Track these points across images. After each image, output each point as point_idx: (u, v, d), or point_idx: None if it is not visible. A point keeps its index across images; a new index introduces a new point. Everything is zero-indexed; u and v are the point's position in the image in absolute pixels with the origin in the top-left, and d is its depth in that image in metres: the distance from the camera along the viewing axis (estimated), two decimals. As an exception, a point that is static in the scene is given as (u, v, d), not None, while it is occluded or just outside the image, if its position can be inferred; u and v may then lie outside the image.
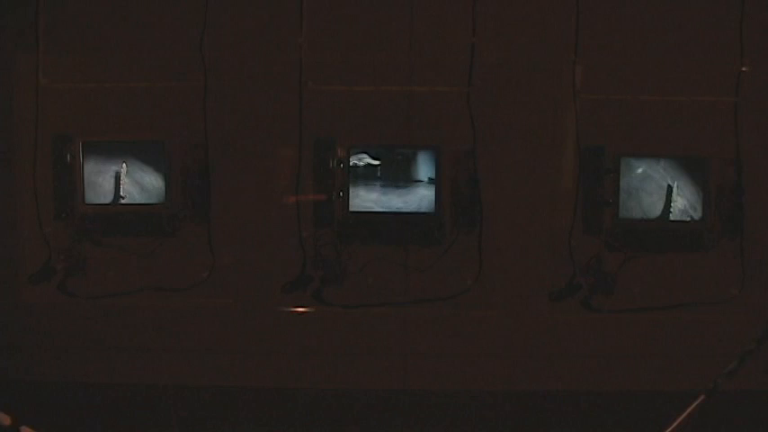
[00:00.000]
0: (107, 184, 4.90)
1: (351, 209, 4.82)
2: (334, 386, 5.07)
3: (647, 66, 4.88)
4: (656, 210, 4.75)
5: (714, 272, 4.84)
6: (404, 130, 4.93)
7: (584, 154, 4.80)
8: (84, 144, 4.89)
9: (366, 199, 4.80)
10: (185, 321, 5.12)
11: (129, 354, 5.13)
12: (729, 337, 4.86)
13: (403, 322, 5.09)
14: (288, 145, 4.91)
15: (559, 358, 5.02)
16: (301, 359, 5.11)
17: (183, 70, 4.93)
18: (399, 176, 4.81)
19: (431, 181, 4.78)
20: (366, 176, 4.79)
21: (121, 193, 4.92)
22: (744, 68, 4.75)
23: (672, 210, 4.74)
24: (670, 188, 4.74)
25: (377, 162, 4.81)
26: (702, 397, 3.08)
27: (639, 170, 4.76)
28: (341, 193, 4.83)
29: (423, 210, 4.78)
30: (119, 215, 4.96)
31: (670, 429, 3.06)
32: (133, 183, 4.90)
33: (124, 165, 4.90)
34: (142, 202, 4.92)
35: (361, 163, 4.78)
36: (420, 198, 4.78)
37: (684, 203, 4.74)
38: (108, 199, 4.91)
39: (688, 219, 4.74)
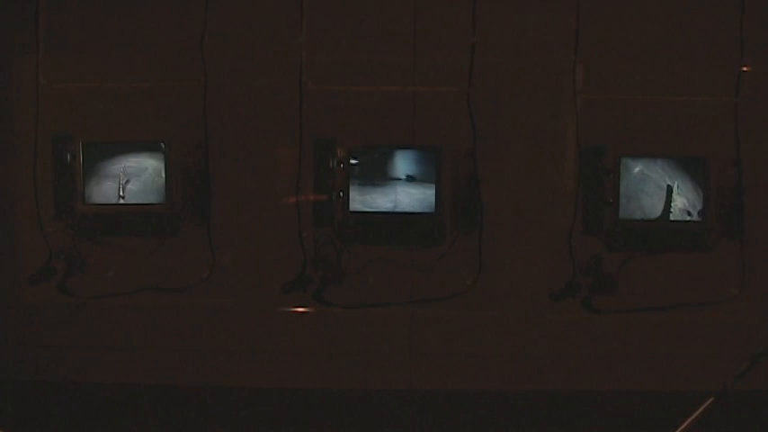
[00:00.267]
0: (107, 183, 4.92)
1: (351, 209, 4.82)
2: (333, 386, 5.07)
3: (647, 66, 4.88)
4: (657, 210, 4.75)
5: (714, 272, 4.84)
6: (404, 130, 4.93)
7: (584, 154, 4.80)
8: (85, 144, 4.89)
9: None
10: (185, 321, 5.12)
11: (129, 354, 5.13)
12: (729, 337, 4.89)
13: (403, 322, 5.09)
14: (288, 145, 4.91)
15: (559, 358, 5.03)
16: (301, 359, 5.11)
17: (183, 70, 4.93)
18: (377, 175, 4.81)
19: (409, 179, 4.78)
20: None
21: (121, 193, 4.92)
22: (744, 68, 4.75)
23: (672, 210, 4.74)
24: (670, 188, 4.74)
25: (354, 161, 4.82)
26: (712, 399, 3.08)
27: (639, 170, 4.76)
28: (341, 193, 4.83)
29: (403, 209, 4.79)
30: (119, 215, 4.96)
31: (680, 430, 3.06)
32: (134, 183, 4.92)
33: (124, 165, 4.91)
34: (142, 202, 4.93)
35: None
36: (399, 196, 4.78)
37: (684, 203, 4.74)
38: (108, 199, 4.91)
39: (688, 219, 4.73)
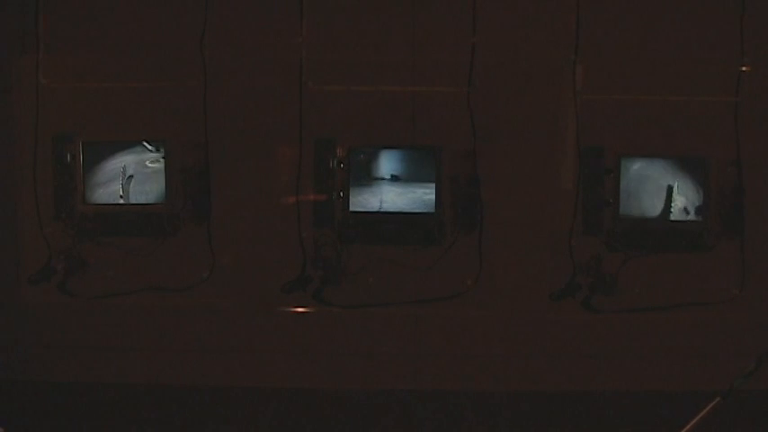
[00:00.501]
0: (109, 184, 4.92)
1: (351, 209, 4.82)
2: (333, 386, 5.07)
3: (647, 66, 4.88)
4: (657, 210, 4.75)
5: (714, 272, 4.83)
6: (404, 131, 4.93)
7: (584, 154, 4.80)
8: (84, 144, 4.89)
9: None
10: (185, 321, 5.12)
11: (128, 354, 5.14)
12: (730, 337, 4.89)
13: (403, 322, 5.09)
14: (288, 145, 4.91)
15: (559, 358, 5.03)
16: (301, 359, 5.11)
17: (183, 70, 4.93)
18: (361, 175, 4.81)
19: (393, 178, 4.78)
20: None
21: (121, 193, 4.92)
22: (744, 68, 4.75)
23: (672, 210, 4.74)
24: (670, 188, 4.74)
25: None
26: (718, 399, 3.07)
27: (639, 170, 4.76)
28: (341, 193, 4.83)
29: (388, 208, 4.79)
30: (119, 215, 4.95)
31: (685, 430, 3.06)
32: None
33: (124, 165, 4.91)
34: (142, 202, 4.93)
35: None
36: (385, 196, 4.79)
37: (684, 203, 4.73)
38: (108, 199, 4.91)
39: (688, 219, 4.73)
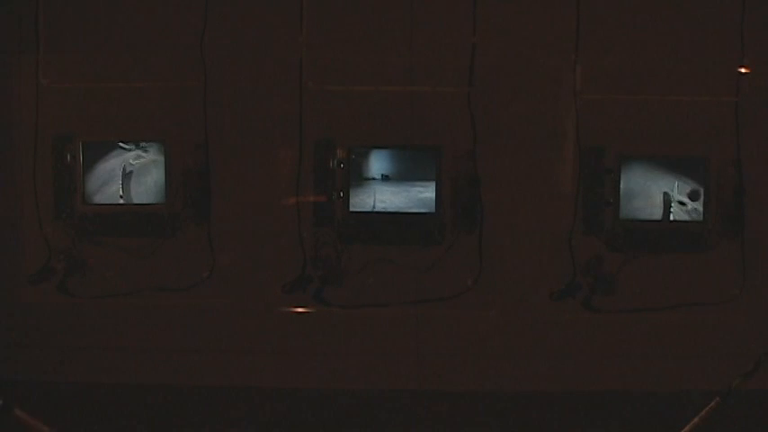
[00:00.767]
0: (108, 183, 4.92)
1: (351, 209, 4.82)
2: (333, 386, 5.07)
3: (647, 66, 4.88)
4: (657, 210, 4.75)
5: (714, 272, 4.84)
6: (404, 131, 4.93)
7: (584, 154, 4.80)
8: (85, 144, 4.89)
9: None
10: (185, 321, 5.12)
11: (129, 354, 5.13)
12: (730, 337, 4.89)
13: (403, 323, 5.09)
14: (288, 145, 4.91)
15: (559, 358, 5.02)
16: (301, 359, 5.11)
17: (183, 70, 4.93)
18: (353, 175, 4.82)
19: (384, 178, 4.78)
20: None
21: (121, 193, 4.92)
22: (744, 68, 4.75)
23: (672, 210, 4.74)
24: (670, 188, 4.74)
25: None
26: (717, 399, 3.07)
27: (639, 170, 4.76)
28: (341, 194, 4.84)
29: (382, 208, 4.81)
30: (119, 215, 4.96)
31: (685, 430, 3.06)
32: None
33: (125, 165, 4.91)
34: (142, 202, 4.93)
35: None
36: (378, 195, 4.79)
37: (684, 203, 4.73)
38: (108, 199, 4.91)
39: (688, 219, 4.73)
